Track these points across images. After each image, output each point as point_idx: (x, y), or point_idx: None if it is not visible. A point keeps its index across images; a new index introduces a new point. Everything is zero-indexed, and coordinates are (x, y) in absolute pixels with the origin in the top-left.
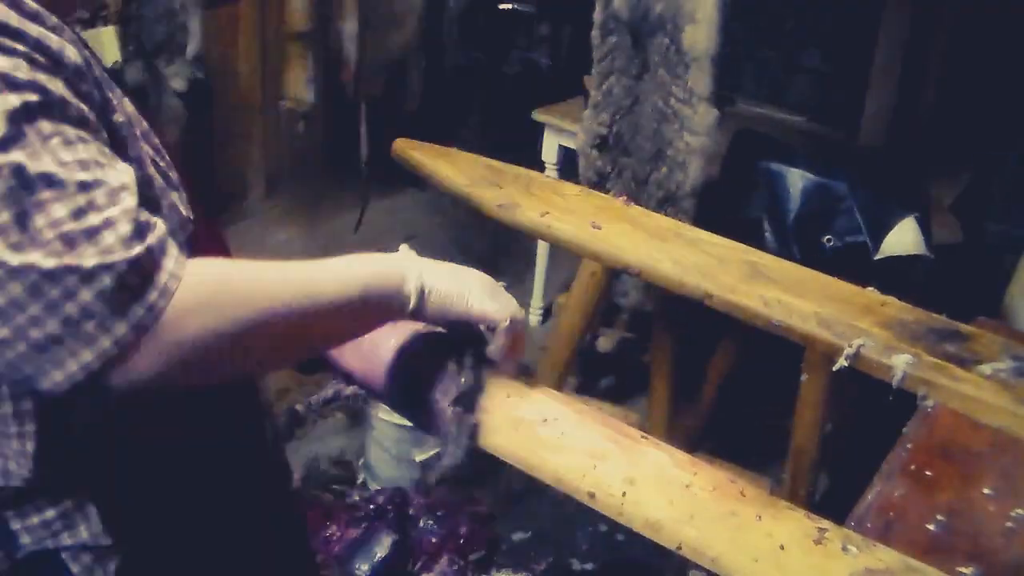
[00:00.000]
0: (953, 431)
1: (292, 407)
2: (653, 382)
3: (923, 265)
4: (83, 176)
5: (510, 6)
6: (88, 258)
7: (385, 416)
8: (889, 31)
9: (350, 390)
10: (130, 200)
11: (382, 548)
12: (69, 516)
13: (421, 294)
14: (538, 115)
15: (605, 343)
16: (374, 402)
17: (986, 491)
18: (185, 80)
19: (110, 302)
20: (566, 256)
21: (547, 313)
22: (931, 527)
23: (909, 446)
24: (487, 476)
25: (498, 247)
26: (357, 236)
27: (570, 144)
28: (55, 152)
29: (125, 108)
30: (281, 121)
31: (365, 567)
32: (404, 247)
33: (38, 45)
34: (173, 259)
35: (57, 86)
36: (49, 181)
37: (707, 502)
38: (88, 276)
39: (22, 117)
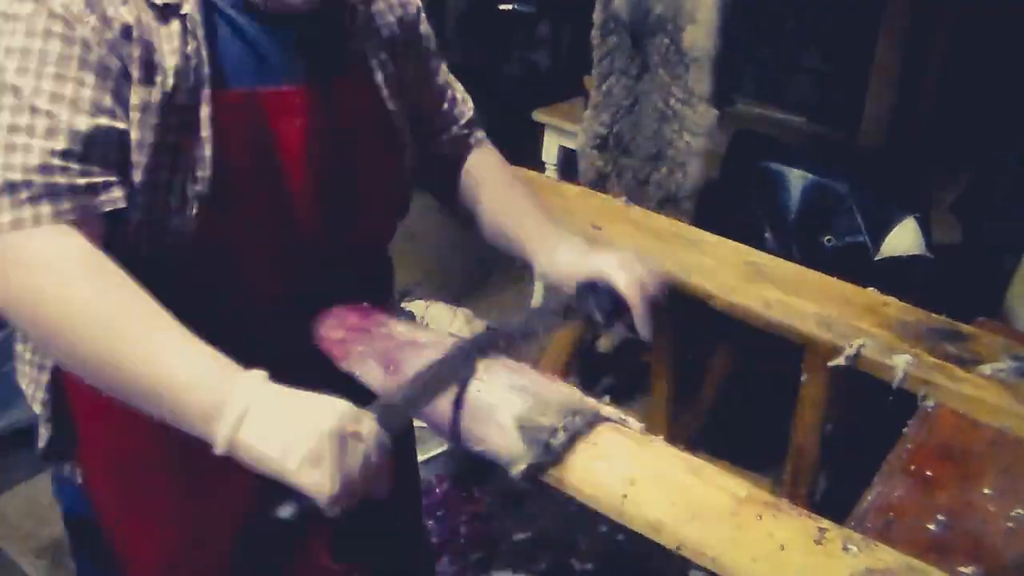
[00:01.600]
0: (953, 431)
1: None
2: (653, 382)
3: (923, 265)
4: (41, 103)
5: (510, 7)
6: None
7: None
8: (889, 31)
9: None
10: (57, 143)
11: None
12: None
13: (231, 441)
14: (538, 115)
15: (605, 343)
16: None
17: (986, 491)
18: None
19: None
20: None
21: None
22: (931, 527)
23: (909, 446)
24: (487, 476)
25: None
26: None
27: (570, 144)
28: (40, 77)
29: (152, 97)
30: None
31: None
32: (257, 376)
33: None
34: (50, 214)
35: (85, 31)
36: (15, 92)
37: (707, 502)
38: None
39: (40, 40)
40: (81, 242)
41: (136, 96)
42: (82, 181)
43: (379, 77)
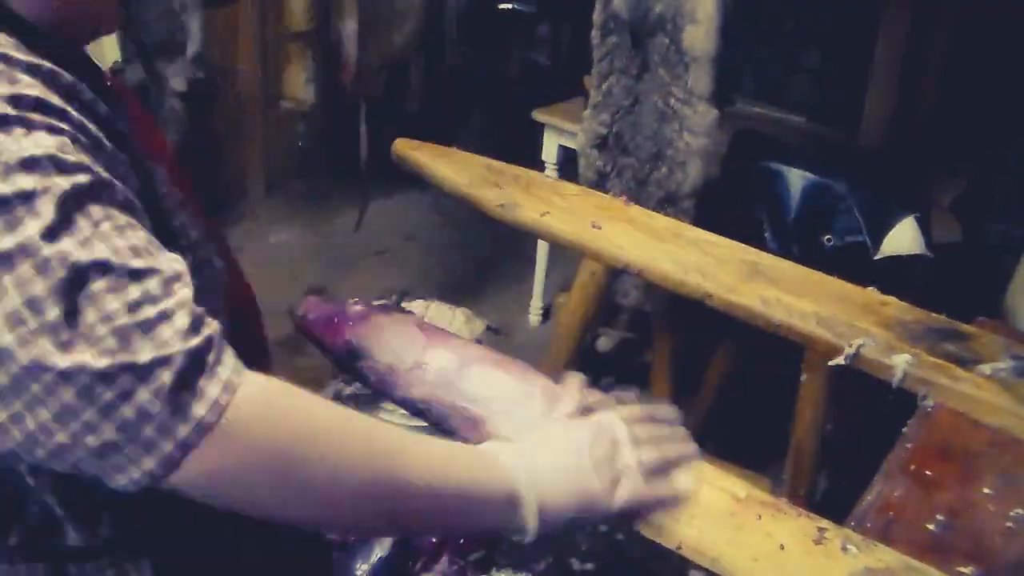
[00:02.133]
0: (953, 431)
1: None
2: (653, 382)
3: (923, 265)
4: (136, 264)
5: (510, 6)
6: (144, 353)
7: (385, 416)
8: (889, 31)
9: (350, 390)
10: (185, 290)
11: (382, 548)
12: (122, 570)
13: (540, 526)
14: (538, 115)
15: (605, 343)
16: (374, 403)
17: (986, 491)
18: (185, 80)
19: (169, 401)
20: (566, 256)
21: (547, 313)
22: (931, 527)
23: (909, 446)
24: None
25: (498, 247)
26: (357, 236)
27: (570, 144)
28: (107, 239)
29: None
30: (281, 121)
31: (365, 567)
32: (516, 449)
33: (82, 126)
34: (231, 354)
35: (101, 168)
36: (103, 270)
37: (707, 502)
38: (145, 373)
39: (72, 202)
40: (265, 377)
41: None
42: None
43: None
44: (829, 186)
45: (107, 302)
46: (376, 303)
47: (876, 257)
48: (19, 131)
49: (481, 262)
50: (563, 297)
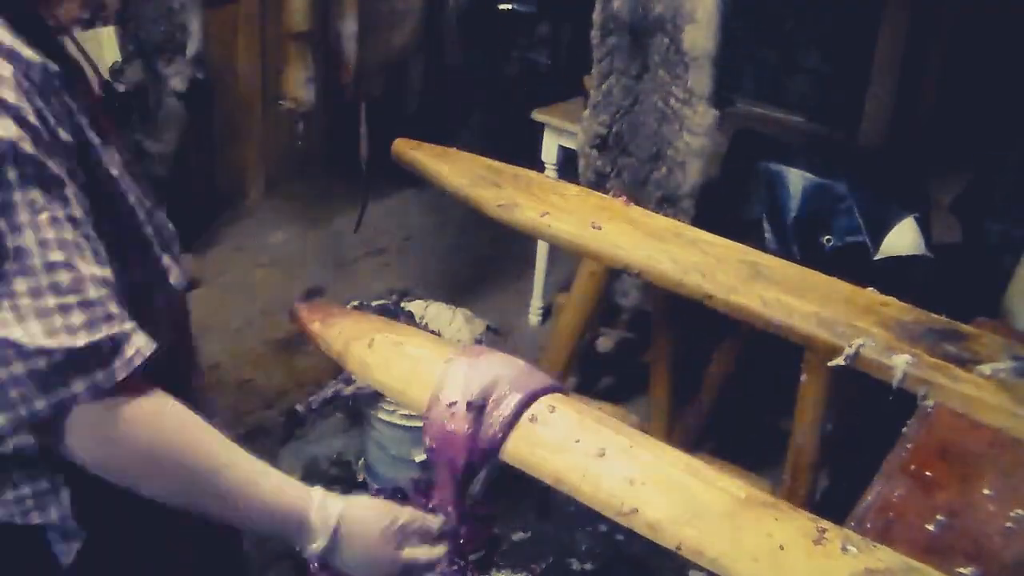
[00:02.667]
0: (953, 431)
1: (292, 407)
2: (653, 382)
3: (923, 265)
4: (56, 257)
5: (510, 6)
6: (33, 337)
7: (385, 416)
8: (889, 31)
9: (350, 390)
10: (94, 292)
11: None
12: (42, 496)
13: (326, 566)
14: (538, 115)
15: (605, 343)
16: (374, 403)
17: (986, 491)
18: (185, 80)
19: (38, 381)
20: (566, 256)
21: (547, 313)
22: (931, 527)
23: (909, 446)
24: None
25: (498, 247)
26: (357, 236)
27: (570, 144)
28: (39, 228)
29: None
30: (281, 121)
31: None
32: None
33: (40, 115)
34: (125, 358)
35: (55, 163)
36: (20, 255)
37: (707, 502)
38: (25, 354)
39: (16, 188)
40: (161, 394)
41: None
42: (120, 308)
43: None
44: (829, 186)
45: (16, 284)
46: (375, 303)
47: (876, 257)
48: None
49: (481, 262)
50: (563, 297)
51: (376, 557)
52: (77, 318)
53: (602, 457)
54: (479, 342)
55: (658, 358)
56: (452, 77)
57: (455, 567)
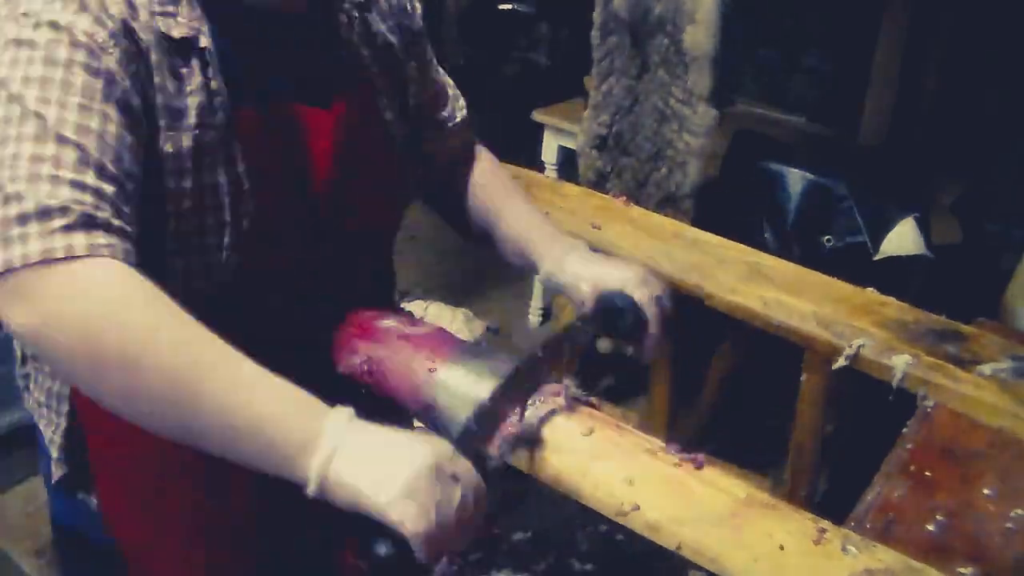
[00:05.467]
0: (953, 431)
1: None
2: (653, 382)
3: (923, 265)
4: (67, 133)
5: (510, 6)
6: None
7: None
8: (889, 31)
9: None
10: (87, 177)
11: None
12: (47, 407)
13: (322, 479)
14: (538, 115)
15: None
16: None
17: (985, 491)
18: None
19: (41, 222)
20: None
21: (547, 313)
22: (930, 527)
23: (909, 446)
24: (487, 476)
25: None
26: None
27: (570, 144)
28: (64, 106)
29: (183, 143)
30: None
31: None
32: (345, 412)
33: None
34: (117, 237)
35: (110, 62)
36: (37, 118)
37: (706, 502)
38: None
39: (60, 67)
40: (130, 271)
41: (169, 143)
42: (116, 222)
43: (380, 88)
44: (829, 186)
45: (8, 147)
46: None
47: (876, 257)
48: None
49: (481, 262)
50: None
51: (405, 482)
52: (62, 178)
53: (602, 457)
54: (479, 342)
55: (658, 358)
56: (452, 77)
57: (455, 567)
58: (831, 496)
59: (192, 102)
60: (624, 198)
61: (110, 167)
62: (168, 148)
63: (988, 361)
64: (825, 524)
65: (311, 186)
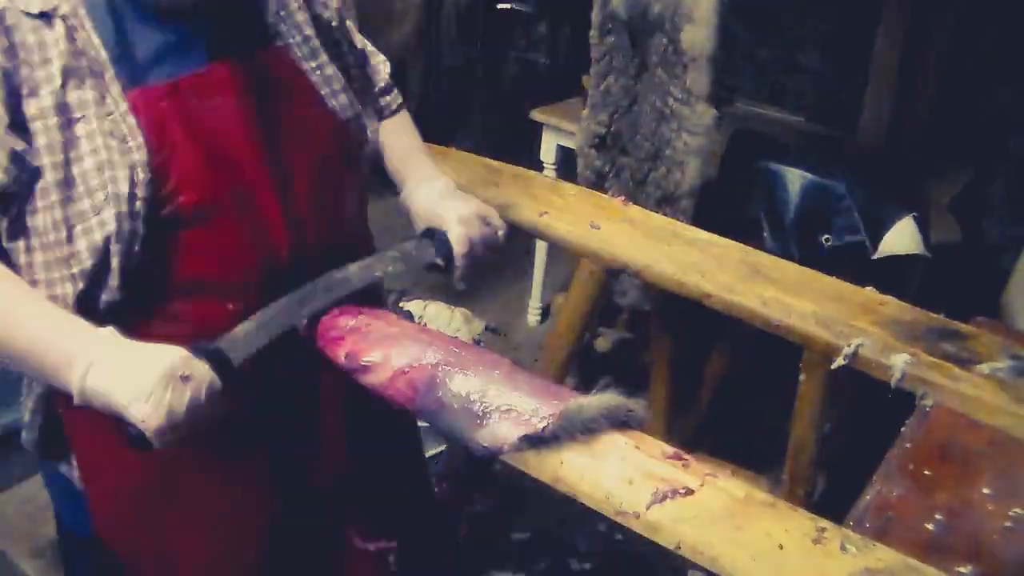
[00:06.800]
0: (952, 430)
1: None
2: (652, 382)
3: (921, 264)
4: None
5: (508, 6)
6: None
7: None
8: (888, 31)
9: None
10: None
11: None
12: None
13: (82, 389)
14: (536, 115)
15: (603, 343)
16: None
17: (985, 490)
18: None
19: None
20: (564, 256)
21: (545, 313)
22: (930, 526)
23: (908, 445)
24: (486, 476)
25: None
26: None
27: (568, 144)
28: None
29: (45, 97)
30: None
31: None
32: (106, 331)
33: None
34: None
35: None
36: None
37: (706, 502)
38: None
39: None
40: None
41: (31, 107)
42: None
43: (300, 46)
44: (828, 186)
45: None
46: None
47: (875, 257)
48: None
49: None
50: (561, 297)
51: (141, 381)
52: None
53: (601, 457)
54: (478, 342)
55: (657, 358)
56: (450, 76)
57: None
58: (830, 495)
59: (56, 65)
60: (623, 197)
61: None
62: (31, 111)
63: (987, 360)
64: (824, 523)
65: (235, 150)
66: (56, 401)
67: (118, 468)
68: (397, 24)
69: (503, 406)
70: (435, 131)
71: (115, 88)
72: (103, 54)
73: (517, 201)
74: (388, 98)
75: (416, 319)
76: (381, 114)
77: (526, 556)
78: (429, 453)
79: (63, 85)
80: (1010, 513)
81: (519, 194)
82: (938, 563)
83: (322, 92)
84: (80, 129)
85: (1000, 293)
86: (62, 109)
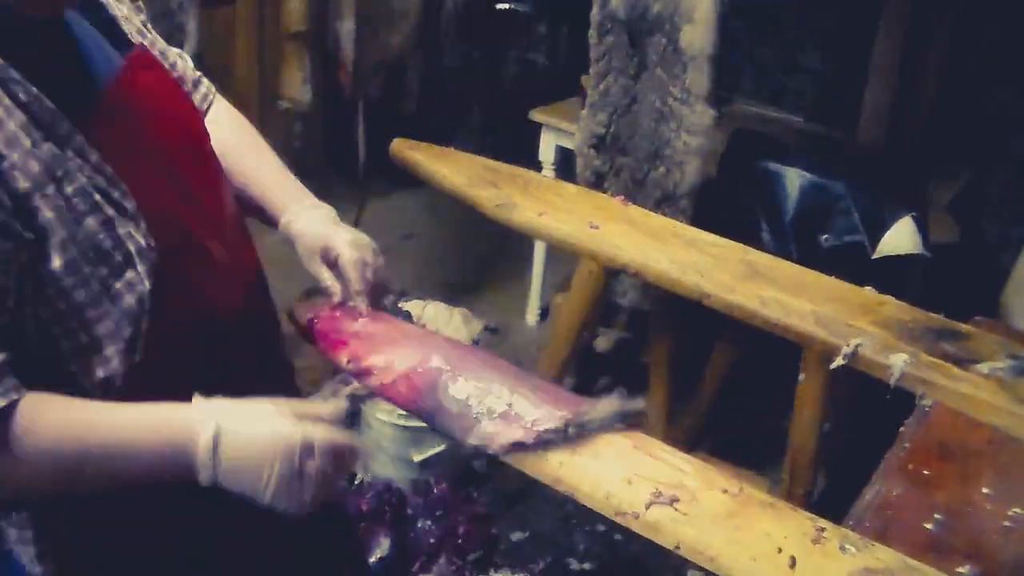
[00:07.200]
0: (951, 430)
1: None
2: (651, 382)
3: (920, 264)
4: None
5: (507, 6)
6: None
7: (383, 416)
8: (888, 31)
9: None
10: None
11: (381, 548)
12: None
13: (214, 475)
14: (536, 115)
15: (603, 343)
16: (372, 402)
17: (984, 490)
18: None
19: None
20: (564, 256)
21: (545, 313)
22: (929, 526)
23: (907, 445)
24: (486, 476)
25: (496, 247)
26: None
27: (568, 144)
28: None
29: (32, 169)
30: (278, 121)
31: None
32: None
33: None
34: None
35: None
36: None
37: (705, 502)
38: None
39: None
40: (27, 401)
41: (21, 179)
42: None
43: (149, 45)
44: (827, 186)
45: None
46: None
47: (874, 257)
48: None
49: (479, 262)
50: (561, 297)
51: (271, 477)
52: None
53: (600, 457)
54: (477, 342)
55: (656, 358)
56: (450, 77)
57: (454, 567)
58: (829, 495)
59: (15, 123)
60: (622, 198)
61: None
62: (22, 184)
63: (986, 360)
64: (824, 523)
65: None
66: (72, 549)
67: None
68: (396, 24)
69: (502, 410)
70: (434, 131)
71: (79, 138)
72: (48, 105)
73: (516, 201)
74: (203, 89)
75: (415, 320)
76: (204, 107)
77: (524, 556)
78: (427, 454)
79: (34, 143)
80: (1009, 513)
81: (518, 194)
82: (937, 563)
83: (184, 88)
84: (69, 190)
85: (999, 293)
86: (51, 168)
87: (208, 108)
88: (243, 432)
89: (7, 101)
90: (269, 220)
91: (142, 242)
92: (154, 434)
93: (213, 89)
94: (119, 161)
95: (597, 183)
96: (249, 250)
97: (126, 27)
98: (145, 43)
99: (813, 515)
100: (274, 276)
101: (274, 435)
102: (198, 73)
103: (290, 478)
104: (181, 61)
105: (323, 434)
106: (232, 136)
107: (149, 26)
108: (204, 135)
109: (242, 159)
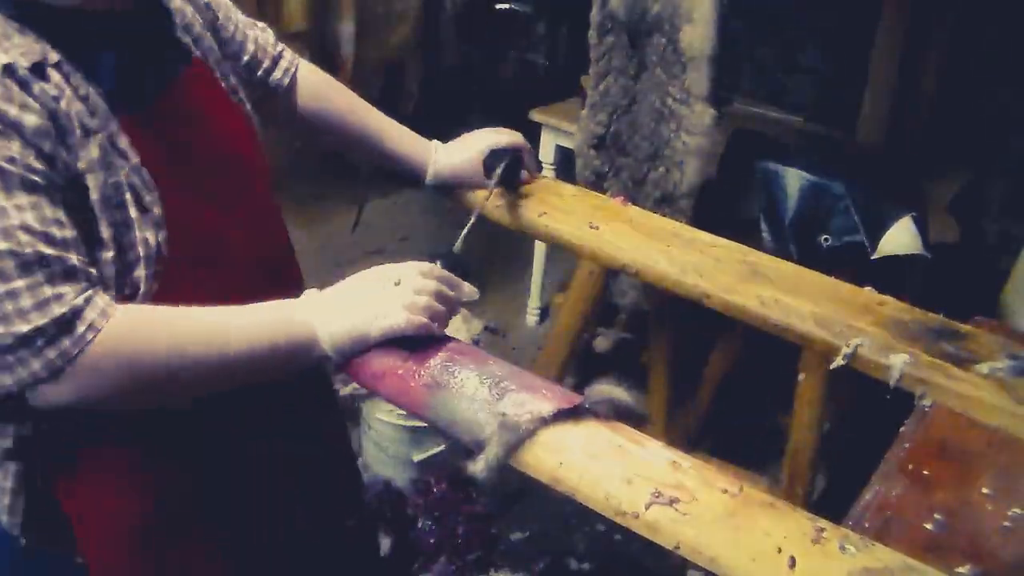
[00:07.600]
0: (951, 430)
1: None
2: (650, 382)
3: (920, 265)
4: (45, 250)
5: (507, 6)
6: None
7: (383, 416)
8: (888, 31)
9: (347, 390)
10: (41, 274)
11: (381, 548)
12: None
13: (339, 349)
14: (535, 115)
15: (602, 343)
16: (371, 402)
17: (984, 490)
18: None
19: (28, 346)
20: (563, 256)
21: (544, 313)
22: (929, 526)
23: (907, 445)
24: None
25: (495, 247)
26: (354, 236)
27: (567, 144)
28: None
29: (91, 154)
30: None
31: None
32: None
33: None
34: (97, 311)
35: (11, 149)
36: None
37: (705, 502)
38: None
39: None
40: (122, 312)
41: (81, 161)
42: (79, 300)
43: (209, 58)
44: (827, 186)
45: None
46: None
47: (874, 257)
48: None
49: (478, 262)
50: (560, 297)
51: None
52: (26, 301)
53: (599, 457)
54: (476, 342)
55: (656, 358)
56: (449, 77)
57: (454, 567)
58: (829, 495)
59: (75, 108)
60: (622, 198)
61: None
62: (81, 166)
63: (986, 360)
64: (823, 523)
65: (217, 162)
66: (52, 480)
67: (129, 549)
68: (396, 24)
69: (505, 407)
70: (434, 131)
71: (124, 139)
72: (96, 94)
73: (516, 201)
74: (284, 63)
75: None
76: (288, 71)
77: (526, 556)
78: (427, 454)
79: (87, 132)
80: (1009, 513)
81: (518, 194)
82: (937, 563)
83: (233, 99)
84: (110, 181)
85: (999, 293)
86: (103, 156)
87: (291, 81)
88: (334, 296)
89: (68, 92)
90: (409, 170)
91: (154, 248)
92: (267, 324)
93: (295, 61)
94: (156, 172)
95: (597, 183)
96: (293, 269)
97: (186, 38)
98: (204, 50)
99: (813, 515)
100: (310, 282)
101: (351, 280)
102: (280, 47)
103: (392, 292)
104: (262, 35)
105: (410, 266)
106: (344, 100)
107: (219, 22)
108: (252, 155)
109: (368, 116)
